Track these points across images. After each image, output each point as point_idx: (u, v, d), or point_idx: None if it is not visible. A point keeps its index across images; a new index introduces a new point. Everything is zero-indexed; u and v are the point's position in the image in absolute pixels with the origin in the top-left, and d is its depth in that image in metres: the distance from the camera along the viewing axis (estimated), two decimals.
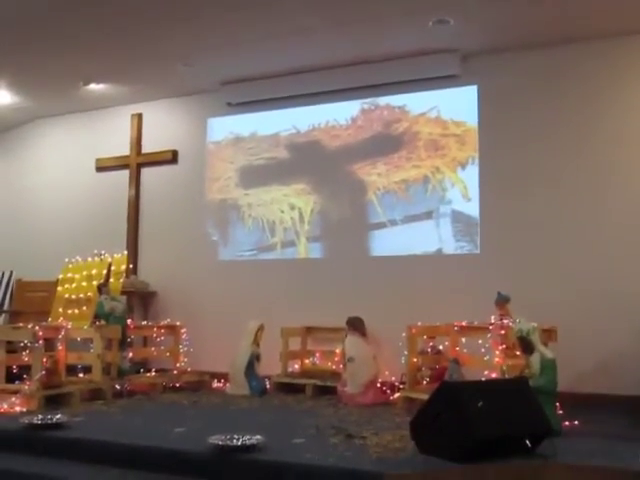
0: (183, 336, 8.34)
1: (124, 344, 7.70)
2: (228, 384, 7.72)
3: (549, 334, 6.01)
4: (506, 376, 5.64)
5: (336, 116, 8.55)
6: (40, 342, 6.58)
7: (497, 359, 5.89)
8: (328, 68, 8.29)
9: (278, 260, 8.71)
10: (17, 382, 6.61)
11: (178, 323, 8.36)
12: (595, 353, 6.80)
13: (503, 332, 5.94)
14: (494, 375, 5.87)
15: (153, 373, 8.13)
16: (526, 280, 7.14)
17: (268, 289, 8.54)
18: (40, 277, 9.34)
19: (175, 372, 8.15)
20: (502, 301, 6.48)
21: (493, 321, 6.25)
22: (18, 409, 6.03)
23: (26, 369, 6.66)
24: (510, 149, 7.57)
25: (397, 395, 6.75)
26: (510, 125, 7.61)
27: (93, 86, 9.02)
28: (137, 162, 9.69)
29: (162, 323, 8.43)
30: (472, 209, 7.74)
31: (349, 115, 8.50)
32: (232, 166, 9.13)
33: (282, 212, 8.76)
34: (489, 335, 6.14)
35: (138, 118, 9.77)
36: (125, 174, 9.71)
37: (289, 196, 8.73)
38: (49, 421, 5.33)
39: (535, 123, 7.49)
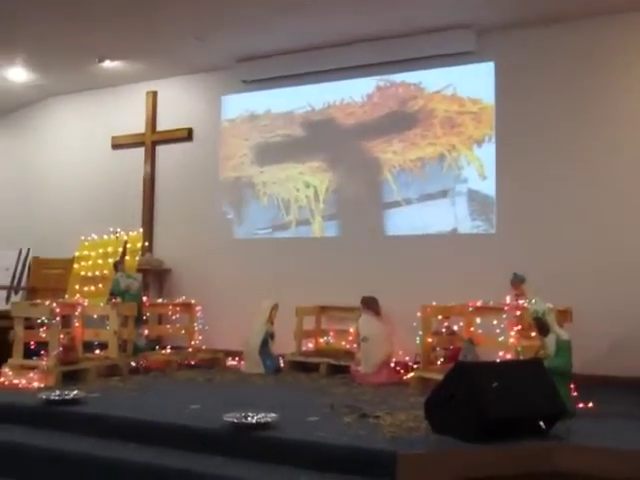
0: (198, 314, 8.38)
1: (140, 321, 7.75)
2: (242, 362, 7.76)
3: (564, 315, 5.97)
4: (521, 357, 5.63)
5: (351, 93, 8.49)
6: (57, 319, 6.64)
7: (512, 340, 5.88)
8: (343, 45, 8.23)
9: (293, 238, 8.71)
10: (35, 358, 6.68)
11: (193, 301, 8.40)
12: (610, 334, 6.77)
13: (518, 313, 5.92)
14: (509, 356, 5.86)
15: (168, 350, 8.18)
16: (542, 260, 7.10)
17: (283, 268, 8.55)
18: (56, 255, 9.39)
19: (190, 350, 8.20)
20: (517, 281, 6.44)
21: (508, 302, 6.22)
22: (36, 385, 6.11)
23: (43, 345, 6.73)
24: (527, 126, 7.49)
25: (411, 375, 6.75)
26: (527, 102, 7.52)
27: (108, 63, 9.00)
28: (152, 140, 9.69)
29: (177, 301, 8.46)
30: (488, 188, 7.69)
31: (364, 92, 8.44)
32: (247, 144, 9.11)
33: (297, 190, 8.74)
34: (504, 316, 6.13)
35: (153, 96, 9.75)
36: (140, 152, 9.72)
37: (304, 174, 8.71)
38: (66, 397, 5.41)
39: (553, 100, 7.40)
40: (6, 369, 6.45)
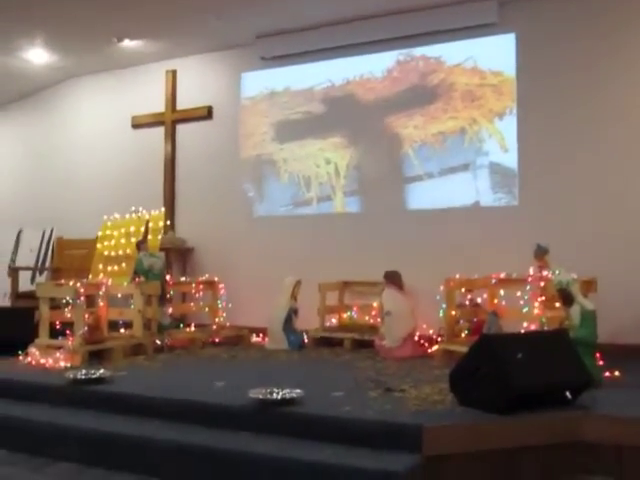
0: (221, 292, 8.42)
1: (163, 300, 7.78)
2: (266, 339, 7.80)
3: (589, 285, 5.93)
4: (545, 328, 5.60)
5: (371, 68, 8.42)
6: (82, 299, 6.69)
7: (536, 311, 5.85)
8: (362, 19, 8.15)
9: (314, 215, 8.70)
10: (60, 338, 6.75)
11: (216, 279, 8.43)
12: (635, 304, 6.69)
13: (542, 284, 5.89)
14: (533, 327, 5.83)
15: (192, 328, 8.23)
16: (565, 231, 7.03)
17: (304, 244, 8.55)
18: (80, 235, 9.46)
19: (214, 327, 8.25)
20: (541, 253, 6.39)
21: (532, 273, 6.18)
22: (62, 364, 6.17)
23: (69, 325, 6.79)
24: (549, 98, 7.39)
25: (435, 348, 6.75)
26: (549, 74, 7.40)
27: (127, 42, 8.99)
28: (172, 119, 9.69)
29: (200, 279, 8.50)
30: (510, 160, 7.60)
31: (384, 67, 8.36)
32: (267, 121, 9.08)
33: (318, 167, 8.71)
34: (528, 287, 6.10)
35: (172, 74, 9.73)
36: (160, 131, 9.73)
37: (324, 150, 8.67)
38: (92, 376, 5.46)
39: (575, 71, 7.28)
40: (33, 349, 6.52)
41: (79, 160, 10.42)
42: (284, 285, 7.73)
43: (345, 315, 8.12)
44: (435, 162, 8.00)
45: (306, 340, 7.66)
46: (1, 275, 10.09)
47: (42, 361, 6.29)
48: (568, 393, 4.39)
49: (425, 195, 8.03)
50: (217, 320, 8.32)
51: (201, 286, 8.39)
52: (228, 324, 8.38)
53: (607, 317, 5.54)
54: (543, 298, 5.87)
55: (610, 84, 7.14)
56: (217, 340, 7.97)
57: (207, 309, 8.40)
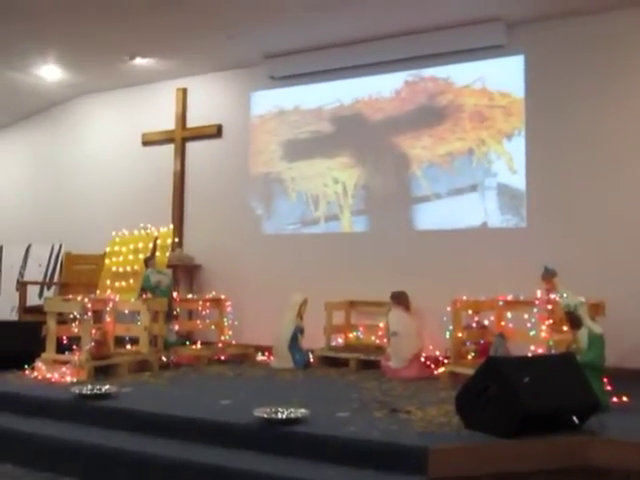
0: (228, 309, 8.43)
1: (170, 317, 7.79)
2: (272, 357, 7.78)
3: (597, 309, 5.92)
4: (553, 351, 5.58)
5: (380, 88, 8.46)
6: (89, 314, 6.71)
7: (544, 334, 5.83)
8: (372, 40, 8.19)
9: (322, 234, 8.71)
10: (67, 353, 6.75)
11: (223, 296, 8.45)
12: None
13: (550, 307, 5.87)
14: (540, 350, 5.81)
15: (198, 345, 8.21)
16: (573, 254, 7.02)
17: (312, 263, 8.56)
18: (88, 250, 9.49)
19: (220, 345, 8.25)
20: (549, 275, 6.36)
21: (539, 296, 6.16)
22: (68, 379, 6.18)
23: (76, 340, 6.80)
24: (558, 120, 7.41)
25: (441, 370, 6.73)
26: (558, 95, 7.43)
27: (138, 60, 9.06)
28: (182, 136, 9.74)
29: (207, 296, 8.51)
30: (518, 182, 7.61)
31: (393, 87, 8.40)
32: (276, 140, 9.12)
33: (326, 186, 8.73)
34: (535, 310, 6.08)
35: (183, 92, 9.80)
36: (170, 148, 9.78)
37: (333, 169, 8.70)
38: (98, 391, 5.46)
39: (584, 93, 7.31)
40: (39, 363, 6.53)
41: (89, 176, 10.48)
42: (290, 303, 7.73)
43: (351, 335, 8.10)
44: (443, 183, 8.02)
45: (312, 359, 7.64)
46: (9, 289, 10.13)
47: (48, 375, 6.30)
48: (575, 417, 4.36)
49: (433, 215, 8.04)
50: (223, 338, 8.33)
51: (208, 303, 8.41)
52: (234, 342, 8.38)
53: (615, 341, 5.50)
54: (551, 321, 5.85)
55: (620, 107, 7.16)
56: (223, 358, 7.97)
57: (213, 327, 8.41)
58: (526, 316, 6.33)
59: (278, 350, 7.63)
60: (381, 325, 7.52)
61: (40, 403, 5.49)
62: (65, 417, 5.27)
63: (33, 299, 9.51)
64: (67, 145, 10.85)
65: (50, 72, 9.46)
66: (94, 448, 4.68)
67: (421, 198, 8.13)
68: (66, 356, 6.64)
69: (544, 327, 5.86)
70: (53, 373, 6.32)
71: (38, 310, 7.77)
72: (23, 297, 9.35)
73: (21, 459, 4.86)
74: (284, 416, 4.61)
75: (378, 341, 7.69)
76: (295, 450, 4.35)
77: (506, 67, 7.76)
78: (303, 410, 4.69)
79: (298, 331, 7.63)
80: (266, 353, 8.04)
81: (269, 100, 9.19)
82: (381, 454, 4.13)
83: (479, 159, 7.85)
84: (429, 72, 8.20)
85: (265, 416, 4.60)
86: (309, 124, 8.91)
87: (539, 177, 7.46)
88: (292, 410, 4.68)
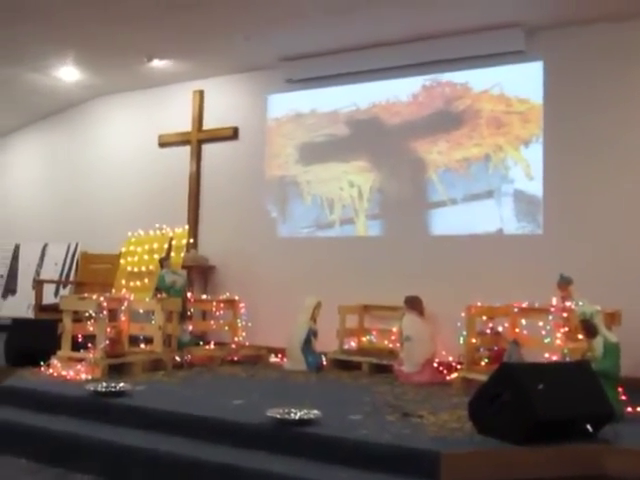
0: (241, 310, 8.46)
1: (184, 317, 7.83)
2: (285, 359, 7.79)
3: (613, 317, 5.89)
4: (567, 359, 5.55)
5: (397, 93, 8.46)
6: (104, 313, 6.75)
7: (559, 342, 5.80)
8: (389, 44, 8.20)
9: (336, 237, 8.72)
10: (82, 351, 6.79)
11: (237, 297, 8.47)
12: None
13: (565, 314, 5.84)
14: (555, 358, 5.78)
15: (212, 346, 8.24)
16: (590, 262, 6.98)
17: (326, 266, 8.56)
18: (104, 250, 9.55)
19: (233, 346, 8.26)
20: (564, 283, 6.34)
21: (555, 303, 6.14)
22: (83, 376, 6.22)
23: (91, 338, 6.84)
24: (576, 127, 7.38)
25: (454, 375, 6.71)
26: (576, 102, 7.39)
27: (156, 62, 9.11)
28: (198, 138, 9.78)
29: (221, 297, 8.54)
30: (535, 188, 7.59)
31: (410, 92, 8.40)
32: (292, 143, 9.14)
33: (341, 189, 8.74)
34: (550, 317, 6.05)
35: (199, 95, 9.84)
36: (186, 150, 9.82)
37: (348, 173, 8.70)
38: (113, 389, 5.51)
39: (602, 100, 7.27)
40: (55, 361, 6.57)
41: (105, 177, 10.54)
42: (304, 306, 7.74)
43: (364, 339, 8.10)
44: (459, 188, 8.00)
45: (324, 362, 7.65)
46: (26, 287, 10.20)
47: (64, 373, 6.35)
48: (589, 426, 4.34)
49: (448, 221, 8.03)
50: (236, 339, 8.35)
51: (222, 304, 8.45)
52: (247, 343, 8.41)
53: (630, 350, 5.47)
54: (566, 329, 5.83)
55: (638, 114, 7.11)
56: (236, 359, 7.99)
57: (227, 327, 8.44)
58: (541, 323, 6.30)
59: (291, 352, 7.64)
60: (394, 329, 7.50)
61: (55, 400, 5.53)
62: (79, 414, 5.31)
63: (49, 297, 9.59)
64: (84, 146, 10.92)
65: (68, 73, 9.53)
66: (108, 445, 4.72)
67: (437, 203, 8.12)
68: (81, 354, 6.69)
69: (559, 335, 5.83)
70: (68, 370, 6.36)
71: (54, 308, 7.82)
72: (39, 295, 9.43)
73: (35, 454, 4.90)
74: (297, 417, 4.62)
75: (391, 345, 7.67)
76: (307, 451, 4.36)
77: (524, 73, 7.73)
78: (315, 412, 4.70)
79: (311, 334, 7.63)
80: (279, 355, 8.05)
81: (285, 103, 9.21)
82: (393, 458, 4.13)
83: (496, 165, 7.83)
84: (447, 77, 8.19)
85: (278, 416, 4.62)
86: (325, 127, 8.93)
87: (556, 184, 7.43)
88: (305, 411, 4.69)
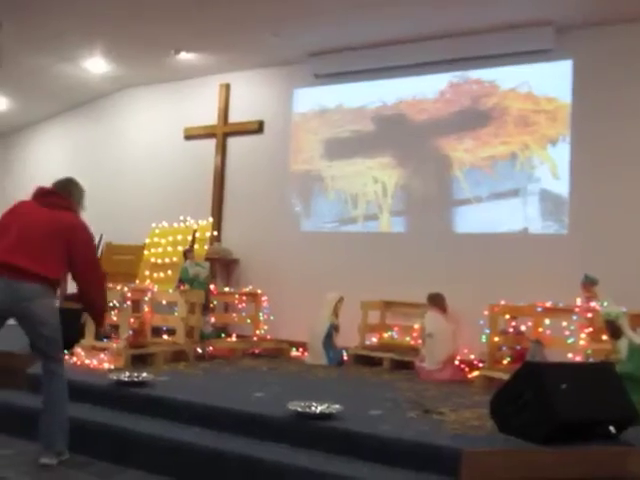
0: (264, 304, 8.47)
1: (207, 309, 7.87)
2: (306, 353, 7.81)
3: (638, 319, 5.82)
4: (591, 360, 5.51)
5: (424, 89, 8.43)
6: (128, 303, 6.80)
7: (582, 342, 5.76)
8: (417, 40, 8.17)
9: (360, 233, 8.71)
10: (105, 340, 6.85)
11: (259, 291, 8.49)
12: None
13: (590, 315, 5.80)
14: (578, 359, 5.75)
15: (234, 339, 8.28)
16: (615, 262, 6.91)
17: (349, 261, 8.56)
18: (128, 241, 9.61)
19: (255, 339, 8.29)
20: (589, 283, 6.30)
21: (579, 303, 6.10)
22: (106, 366, 6.27)
23: (114, 328, 6.89)
24: (604, 127, 7.30)
25: (475, 374, 6.68)
26: (606, 102, 7.32)
27: (184, 55, 9.15)
28: (224, 131, 9.82)
29: (244, 290, 8.57)
30: (561, 188, 7.53)
31: (437, 89, 8.36)
32: (317, 138, 9.14)
33: (365, 185, 8.73)
34: (574, 317, 6.00)
35: (226, 88, 9.87)
36: (212, 143, 9.86)
37: (373, 169, 8.69)
38: (135, 379, 5.54)
39: (632, 101, 7.19)
40: (78, 349, 6.63)
41: (131, 168, 10.62)
42: (326, 301, 7.76)
43: (386, 335, 8.09)
44: (484, 186, 7.96)
45: (345, 357, 7.65)
46: None
47: (87, 362, 6.40)
48: (612, 428, 4.31)
49: (473, 219, 7.99)
50: (258, 332, 8.38)
51: (244, 297, 8.48)
52: (269, 336, 8.43)
53: None
54: (590, 330, 5.78)
55: None
56: (257, 352, 8.03)
57: (249, 320, 8.46)
58: (564, 324, 6.25)
59: (312, 346, 7.66)
60: (416, 326, 7.49)
61: (78, 388, 5.52)
62: (102, 402, 5.35)
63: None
64: (110, 137, 11.00)
65: (96, 65, 9.59)
66: (129, 433, 4.76)
67: (461, 201, 8.09)
68: (105, 343, 6.74)
69: (583, 335, 5.79)
70: (92, 359, 6.41)
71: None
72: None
73: None
74: (317, 411, 4.63)
75: (412, 342, 7.66)
76: (327, 445, 4.36)
77: (553, 72, 7.67)
78: (336, 406, 4.70)
79: (333, 329, 7.65)
80: (300, 349, 8.07)
81: (312, 98, 9.21)
82: (413, 454, 4.12)
83: (522, 164, 7.79)
84: (474, 74, 8.14)
85: (299, 410, 4.62)
86: (351, 123, 8.92)
87: (582, 184, 7.37)
88: (326, 405, 4.70)
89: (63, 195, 4.65)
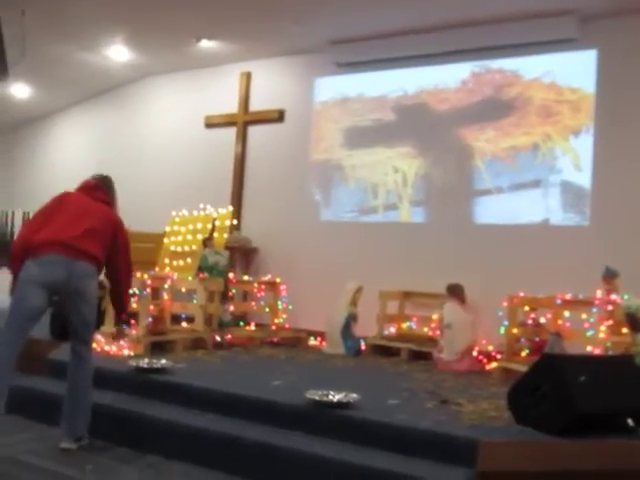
0: (282, 293, 8.49)
1: (225, 297, 7.90)
2: (324, 342, 7.82)
3: None
4: (610, 353, 5.48)
5: (445, 79, 8.38)
6: (148, 290, 6.83)
7: (602, 335, 5.72)
8: (439, 29, 8.10)
9: (379, 223, 8.70)
10: (125, 327, 6.87)
11: (278, 280, 8.51)
12: None
13: (610, 307, 5.75)
14: (597, 351, 5.71)
15: (252, 327, 8.31)
16: (637, 255, 6.83)
17: (368, 251, 8.55)
18: (147, 228, 9.65)
19: (273, 327, 8.32)
20: (610, 276, 6.24)
21: (599, 296, 6.05)
22: (126, 352, 6.31)
23: (133, 315, 6.93)
24: (628, 118, 7.23)
25: (493, 365, 6.66)
26: (630, 93, 7.23)
27: (205, 43, 9.15)
28: (244, 120, 9.82)
29: (263, 279, 8.59)
30: (583, 180, 7.47)
31: (459, 78, 8.31)
32: (337, 127, 9.12)
33: (385, 175, 8.70)
34: (594, 310, 5.96)
35: (247, 76, 9.87)
36: (232, 131, 9.87)
37: (393, 159, 8.66)
38: (154, 365, 5.58)
39: None
40: (98, 336, 6.67)
41: (151, 156, 10.66)
42: (345, 290, 7.75)
43: (404, 325, 8.08)
44: (505, 177, 7.91)
45: (363, 347, 7.65)
46: None
47: (107, 348, 6.44)
48: (630, 420, 4.28)
49: (493, 210, 7.95)
50: (277, 321, 8.40)
51: (263, 286, 8.49)
52: (287, 325, 8.45)
53: None
54: (610, 322, 5.74)
55: None
56: (275, 340, 8.05)
57: (267, 309, 8.48)
58: (584, 316, 6.20)
59: (331, 336, 7.66)
60: (434, 317, 7.47)
61: (98, 374, 5.55)
62: (121, 388, 5.39)
63: None
64: (131, 125, 11.05)
65: (118, 52, 9.64)
66: (148, 419, 4.80)
67: (482, 191, 8.04)
68: (124, 330, 6.77)
69: (603, 328, 5.74)
70: (111, 346, 6.46)
71: (99, 284, 7.91)
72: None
73: None
74: (334, 400, 4.64)
75: (430, 333, 7.65)
76: (344, 433, 4.38)
77: (577, 61, 7.59)
78: (354, 395, 4.71)
79: (351, 318, 7.64)
80: (318, 338, 8.08)
81: (332, 87, 9.19)
82: (430, 444, 4.12)
83: (544, 155, 7.72)
84: (497, 64, 8.08)
85: (316, 398, 4.64)
86: (372, 112, 8.88)
87: (604, 176, 7.30)
88: (343, 394, 4.70)
89: (107, 191, 4.88)
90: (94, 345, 6.40)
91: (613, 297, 5.88)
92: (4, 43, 7.73)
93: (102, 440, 4.76)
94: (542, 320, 6.87)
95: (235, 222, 9.35)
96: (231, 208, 9.22)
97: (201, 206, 9.11)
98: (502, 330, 6.65)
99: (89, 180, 4.88)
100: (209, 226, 8.78)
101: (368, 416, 4.46)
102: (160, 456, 4.57)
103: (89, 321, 4.60)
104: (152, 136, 10.75)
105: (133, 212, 10.18)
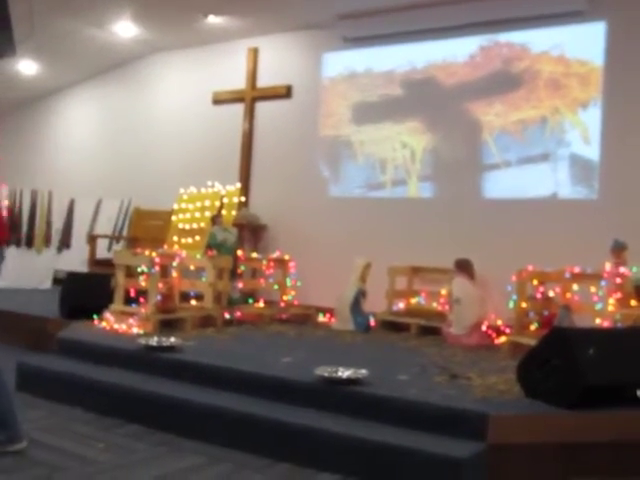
0: (291, 269, 8.49)
1: (234, 274, 7.91)
2: (333, 319, 7.84)
3: None
4: (619, 325, 5.47)
5: (454, 53, 8.31)
6: (157, 268, 6.85)
7: (611, 308, 5.71)
8: (447, 3, 8.05)
9: (388, 198, 8.68)
10: (134, 305, 6.92)
11: (287, 257, 8.51)
12: None
13: (619, 280, 5.74)
14: (606, 324, 5.70)
15: (261, 304, 8.34)
16: None
17: (377, 227, 8.55)
18: (156, 206, 9.68)
19: (282, 304, 8.34)
20: (618, 248, 6.21)
21: (608, 269, 6.03)
22: (135, 330, 6.34)
23: (143, 293, 6.96)
24: (638, 91, 7.15)
25: (502, 339, 6.67)
26: (639, 65, 7.16)
27: (212, 18, 9.11)
28: (252, 96, 9.79)
29: (271, 256, 8.59)
30: (592, 153, 7.42)
31: (467, 52, 8.24)
32: (346, 102, 9.07)
33: (394, 150, 8.67)
34: (603, 283, 5.94)
35: (254, 52, 9.82)
36: (240, 108, 9.84)
37: (401, 134, 8.62)
38: (164, 343, 5.59)
39: None
40: (108, 314, 6.72)
41: (159, 133, 10.65)
42: (354, 266, 7.75)
43: (413, 300, 8.09)
44: (514, 151, 7.87)
45: (373, 323, 7.67)
46: (80, 242, 10.42)
47: (116, 326, 6.48)
48: (639, 393, 4.29)
49: (502, 184, 7.91)
50: (286, 298, 8.41)
51: (272, 263, 8.49)
52: (296, 302, 8.46)
53: None
54: (619, 295, 5.73)
55: None
56: (284, 317, 8.07)
57: (276, 286, 8.48)
58: (593, 289, 6.18)
59: (340, 312, 7.68)
60: (443, 292, 7.47)
61: (108, 352, 5.66)
62: (131, 366, 5.43)
63: (102, 252, 9.78)
64: (139, 102, 11.03)
65: (125, 28, 9.61)
66: (157, 397, 4.82)
67: (491, 166, 8.01)
68: (133, 308, 6.82)
69: (611, 301, 5.73)
70: (121, 324, 6.49)
71: (107, 263, 7.96)
72: (93, 250, 9.63)
73: (90, 404, 5.03)
74: (344, 376, 4.65)
75: (439, 308, 7.65)
76: (354, 409, 4.40)
77: (586, 34, 7.51)
78: (363, 371, 4.72)
79: (360, 294, 7.64)
80: (327, 315, 8.10)
81: (340, 62, 9.13)
82: (441, 418, 4.14)
83: (552, 128, 7.67)
84: (505, 37, 8.00)
85: (326, 375, 4.65)
86: (380, 87, 8.83)
87: (613, 149, 7.25)
88: (352, 370, 4.72)
89: None
90: (103, 323, 6.52)
91: (622, 270, 5.86)
92: (12, 20, 7.68)
93: (113, 418, 4.81)
94: (551, 294, 6.84)
95: (243, 199, 9.35)
96: (239, 185, 9.22)
97: (209, 183, 9.10)
98: (511, 304, 6.63)
99: None
100: (217, 203, 8.78)
101: (378, 392, 4.48)
102: (171, 434, 4.59)
103: None
104: (159, 113, 10.73)
105: (141, 190, 10.29)
